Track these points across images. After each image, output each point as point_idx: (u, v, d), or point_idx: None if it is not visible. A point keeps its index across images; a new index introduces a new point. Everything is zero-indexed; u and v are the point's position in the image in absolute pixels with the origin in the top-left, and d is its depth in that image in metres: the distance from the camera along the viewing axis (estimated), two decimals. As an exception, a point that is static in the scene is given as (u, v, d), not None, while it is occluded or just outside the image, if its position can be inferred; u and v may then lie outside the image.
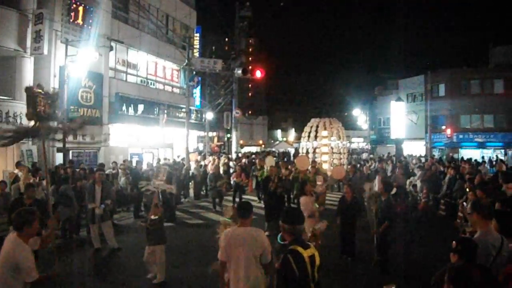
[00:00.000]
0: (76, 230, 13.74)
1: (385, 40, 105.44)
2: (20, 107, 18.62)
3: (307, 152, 26.32)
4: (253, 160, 28.17)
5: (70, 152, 21.50)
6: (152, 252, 9.14)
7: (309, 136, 26.83)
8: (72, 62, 20.35)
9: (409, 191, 16.88)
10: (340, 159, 26.64)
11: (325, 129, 26.06)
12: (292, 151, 49.33)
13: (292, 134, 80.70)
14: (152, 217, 9.21)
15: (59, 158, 20.29)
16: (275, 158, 25.00)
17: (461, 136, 44.10)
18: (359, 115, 56.91)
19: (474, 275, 3.66)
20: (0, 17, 18.39)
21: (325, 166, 24.79)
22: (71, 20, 21.63)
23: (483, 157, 36.98)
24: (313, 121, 26.63)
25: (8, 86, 19.31)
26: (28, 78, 19.76)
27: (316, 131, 26.43)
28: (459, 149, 43.95)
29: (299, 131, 64.41)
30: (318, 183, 16.26)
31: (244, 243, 5.61)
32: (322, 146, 25.99)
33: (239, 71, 29.42)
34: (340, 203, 11.59)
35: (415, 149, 44.90)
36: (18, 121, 18.16)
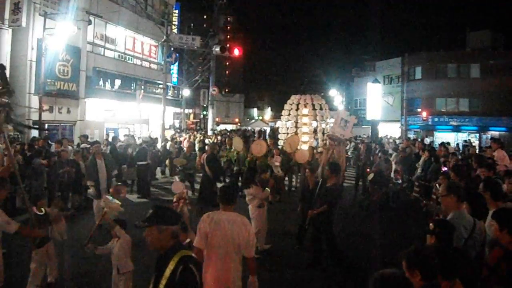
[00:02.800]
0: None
1: (363, 21, 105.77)
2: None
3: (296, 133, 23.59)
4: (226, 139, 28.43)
5: (46, 125, 21.58)
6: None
7: (289, 114, 24.56)
8: (50, 35, 20.35)
9: (390, 178, 16.47)
10: (323, 140, 23.63)
11: (305, 106, 24.07)
12: (267, 129, 49.70)
13: (268, 112, 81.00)
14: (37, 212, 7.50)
15: (34, 131, 20.36)
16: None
17: (436, 119, 44.39)
18: (336, 96, 57.34)
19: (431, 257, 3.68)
20: (-22, -12, 18.35)
21: (305, 147, 21.43)
22: (50, -7, 21.65)
23: (458, 144, 37.25)
24: (294, 98, 24.54)
25: (-16, 57, 19.32)
26: (5, 49, 19.81)
27: (297, 109, 24.34)
28: (434, 132, 44.35)
29: (275, 110, 64.80)
30: (276, 163, 15.98)
31: (228, 230, 5.06)
32: (302, 126, 23.84)
33: (217, 49, 29.45)
34: (301, 189, 11.23)
35: (390, 131, 45.27)
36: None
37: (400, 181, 16.47)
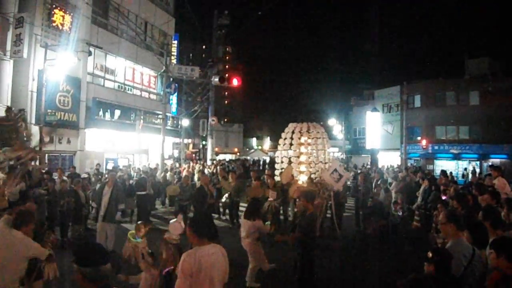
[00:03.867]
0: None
1: (361, 51, 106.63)
2: (-2, 109, 18.76)
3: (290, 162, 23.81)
4: (229, 168, 28.43)
5: (46, 155, 21.58)
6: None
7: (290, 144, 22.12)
8: (51, 66, 20.50)
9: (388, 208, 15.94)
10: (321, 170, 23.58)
11: (302, 135, 21.74)
12: (267, 159, 49.63)
13: (267, 142, 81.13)
14: None
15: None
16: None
17: (436, 147, 44.32)
18: (335, 125, 57.48)
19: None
20: (-20, 20, 18.56)
21: (303, 178, 20.46)
22: (51, 25, 21.90)
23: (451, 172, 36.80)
24: (291, 126, 22.51)
25: (-14, 89, 19.46)
26: (7, 81, 19.94)
27: (292, 138, 22.05)
28: (434, 160, 44.32)
29: (274, 139, 64.90)
30: (270, 199, 15.39)
31: (214, 266, 4.86)
32: (300, 155, 21.60)
33: (215, 79, 29.66)
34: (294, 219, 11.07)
35: (390, 159, 45.14)
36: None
37: (400, 213, 16.15)
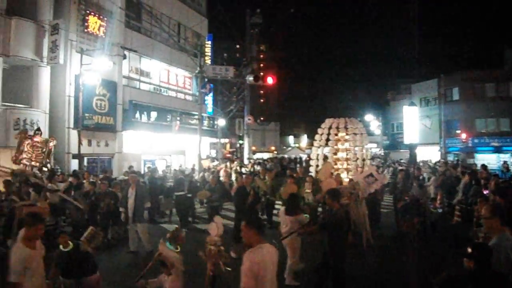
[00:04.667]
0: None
1: (397, 44, 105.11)
2: (37, 115, 19.23)
3: (325, 158, 21.81)
4: (266, 167, 28.32)
5: (85, 158, 21.99)
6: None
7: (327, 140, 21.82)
8: (87, 70, 20.85)
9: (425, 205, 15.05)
10: (361, 166, 21.43)
11: (339, 131, 21.58)
12: (304, 157, 49.35)
13: (304, 140, 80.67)
14: (61, 247, 7.29)
15: (74, 165, 20.81)
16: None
17: (476, 141, 42.88)
18: (372, 121, 56.72)
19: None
20: (19, 28, 18.91)
21: (342, 176, 19.75)
22: (85, 30, 22.29)
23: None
24: (328, 122, 22.11)
25: (26, 95, 19.89)
26: (44, 87, 20.33)
27: (329, 134, 21.79)
28: (475, 154, 42.91)
29: (312, 137, 64.53)
30: (307, 190, 15.09)
31: (271, 264, 4.95)
32: (338, 151, 21.51)
33: (250, 78, 29.59)
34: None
35: (429, 154, 44.15)
36: (35, 128, 18.63)
37: (439, 210, 15.57)
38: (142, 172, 21.51)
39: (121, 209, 12.98)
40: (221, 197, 17.37)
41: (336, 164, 20.87)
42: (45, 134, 19.36)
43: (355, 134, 21.49)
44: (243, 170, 26.70)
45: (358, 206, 9.37)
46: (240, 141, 49.67)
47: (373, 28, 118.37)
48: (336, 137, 21.21)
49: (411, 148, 43.76)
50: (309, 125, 77.84)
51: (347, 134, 21.18)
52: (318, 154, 21.77)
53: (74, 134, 21.02)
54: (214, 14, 37.77)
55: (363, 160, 21.19)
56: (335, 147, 21.33)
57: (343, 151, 21.34)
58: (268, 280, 4.86)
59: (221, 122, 37.90)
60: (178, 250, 6.47)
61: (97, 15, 23.02)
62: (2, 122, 17.81)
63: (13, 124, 18.26)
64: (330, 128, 21.53)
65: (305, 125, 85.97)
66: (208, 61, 34.76)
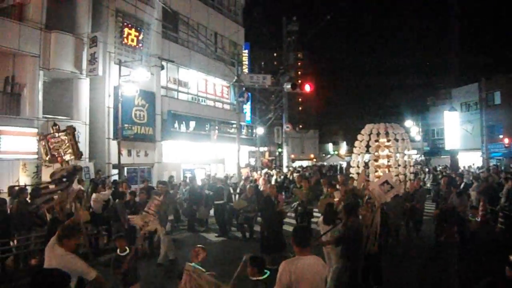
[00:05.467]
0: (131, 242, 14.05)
1: (436, 49, 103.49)
2: (77, 126, 19.27)
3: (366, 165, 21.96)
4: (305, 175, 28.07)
5: (125, 168, 22.17)
6: None
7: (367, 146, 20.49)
8: (126, 82, 21.07)
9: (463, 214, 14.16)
10: (404, 174, 20.34)
11: (378, 137, 20.13)
12: (344, 164, 48.86)
13: (343, 147, 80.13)
14: (118, 251, 7.51)
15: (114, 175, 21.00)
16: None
17: None
18: (412, 126, 55.89)
19: None
20: (58, 42, 19.25)
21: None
22: (123, 42, 22.60)
23: None
24: (368, 127, 20.90)
25: (66, 107, 20.21)
26: (84, 98, 20.62)
27: (369, 140, 20.38)
28: (518, 159, 41.51)
29: (351, 144, 63.99)
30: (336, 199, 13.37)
31: (311, 278, 4.85)
32: (380, 158, 20.19)
33: (288, 86, 29.49)
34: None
35: (471, 160, 43.00)
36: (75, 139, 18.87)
37: (478, 219, 14.71)
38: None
39: None
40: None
41: (377, 171, 20.30)
42: (85, 144, 19.74)
43: (397, 140, 21.00)
44: (272, 179, 26.55)
45: (374, 216, 9.05)
46: (279, 149, 49.67)
47: (412, 33, 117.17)
48: (376, 143, 20.70)
49: (452, 154, 42.74)
50: (348, 132, 77.38)
51: (388, 140, 20.62)
52: (358, 162, 21.23)
53: (114, 144, 21.22)
54: (251, 22, 37.95)
55: (404, 167, 20.56)
56: (376, 153, 20.65)
57: (384, 158, 20.49)
58: None
59: (260, 130, 37.84)
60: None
61: (134, 27, 23.35)
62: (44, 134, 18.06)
63: (54, 135, 18.51)
64: (370, 134, 21.04)
65: (344, 132, 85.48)
66: (246, 70, 34.92)
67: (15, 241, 11.84)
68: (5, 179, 16.36)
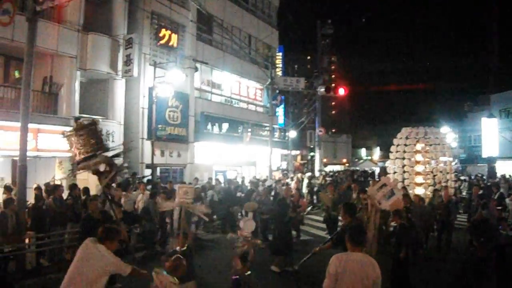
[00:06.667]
0: (162, 243, 14.18)
1: (475, 53, 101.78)
2: (112, 126, 19.76)
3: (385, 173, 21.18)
4: (336, 181, 27.93)
5: (158, 168, 22.40)
6: None
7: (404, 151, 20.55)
8: (160, 83, 21.25)
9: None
10: (446, 181, 20.05)
11: (419, 141, 20.06)
12: (377, 170, 48.36)
13: (377, 152, 79.38)
14: (177, 248, 7.65)
15: (147, 174, 21.24)
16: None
17: None
18: (448, 133, 55.09)
19: None
20: (95, 43, 19.56)
21: (419, 191, 18.55)
22: (158, 44, 22.89)
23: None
24: (405, 131, 20.91)
25: (101, 107, 20.51)
26: (119, 99, 20.90)
27: (406, 145, 20.64)
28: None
29: (384, 149, 63.34)
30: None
31: (358, 272, 5.01)
32: (415, 165, 19.97)
33: (322, 89, 29.34)
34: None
35: (510, 168, 41.93)
36: (110, 139, 19.19)
37: (507, 231, 14.12)
38: (213, 183, 21.61)
39: (167, 220, 13.10)
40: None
41: (417, 177, 19.69)
42: (120, 144, 20.00)
43: (438, 144, 20.35)
44: (304, 183, 26.44)
45: (370, 220, 8.98)
46: (311, 153, 49.46)
47: (449, 37, 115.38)
48: (414, 148, 20.06)
49: (490, 162, 41.80)
50: (382, 137, 76.51)
51: (426, 145, 19.97)
52: (394, 167, 20.59)
53: (147, 144, 21.47)
54: (285, 25, 37.95)
55: (441, 172, 19.95)
56: (412, 159, 20.08)
57: (422, 164, 19.93)
58: (349, 284, 4.98)
59: (292, 133, 37.78)
60: (177, 282, 5.95)
61: (169, 29, 23.65)
62: (80, 133, 18.39)
63: (90, 134, 18.82)
64: (407, 138, 20.48)
65: (378, 137, 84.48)
66: (279, 73, 34.89)
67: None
68: (42, 176, 16.70)
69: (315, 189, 26.12)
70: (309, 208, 23.01)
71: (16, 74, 18.47)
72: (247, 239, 7.55)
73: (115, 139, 19.76)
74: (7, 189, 13.32)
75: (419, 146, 20.12)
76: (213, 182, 21.09)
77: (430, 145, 20.03)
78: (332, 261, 5.13)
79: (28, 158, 12.39)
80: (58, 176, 17.32)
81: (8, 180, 15.86)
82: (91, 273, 5.55)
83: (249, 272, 6.21)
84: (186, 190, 8.34)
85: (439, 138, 20.75)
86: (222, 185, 21.23)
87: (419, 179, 19.72)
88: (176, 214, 12.34)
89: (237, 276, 6.56)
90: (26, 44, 12.27)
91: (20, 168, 11.97)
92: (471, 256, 9.55)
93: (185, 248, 7.58)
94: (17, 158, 12.41)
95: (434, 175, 19.79)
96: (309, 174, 32.96)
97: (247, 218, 7.79)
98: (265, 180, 24.07)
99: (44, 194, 13.53)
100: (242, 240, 7.50)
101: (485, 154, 43.71)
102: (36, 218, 12.03)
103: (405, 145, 20.25)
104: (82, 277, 5.53)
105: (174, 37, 24.06)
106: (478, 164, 48.06)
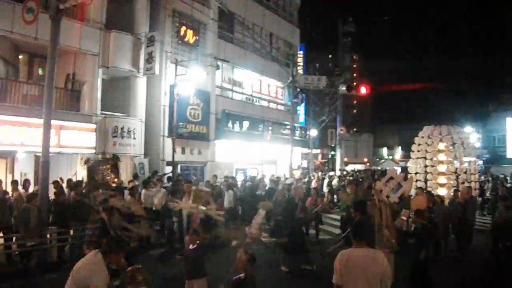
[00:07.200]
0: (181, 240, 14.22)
1: (499, 53, 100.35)
2: (133, 123, 19.92)
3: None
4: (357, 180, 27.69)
5: (179, 166, 22.51)
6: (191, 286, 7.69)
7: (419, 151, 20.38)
8: (181, 81, 21.33)
9: None
10: (469, 181, 19.50)
11: (441, 140, 19.54)
12: (398, 169, 47.90)
13: (398, 152, 78.68)
14: (190, 246, 7.74)
15: (168, 171, 21.36)
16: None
17: None
18: (471, 133, 54.38)
19: None
20: (117, 41, 19.74)
21: (442, 192, 18.29)
22: (180, 42, 22.99)
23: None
24: (427, 130, 20.46)
25: (123, 104, 20.68)
26: (141, 96, 21.05)
27: (428, 144, 20.18)
28: None
29: (406, 149, 62.76)
30: (403, 217, 11.68)
31: (360, 266, 5.19)
32: (438, 164, 19.49)
33: (343, 88, 29.30)
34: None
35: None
36: (132, 136, 19.36)
37: None
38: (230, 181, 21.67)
39: (174, 219, 13.14)
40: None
41: (439, 177, 19.32)
42: (141, 141, 20.27)
43: (461, 144, 19.85)
44: (334, 181, 26.33)
45: (382, 213, 8.95)
46: (332, 152, 49.23)
47: (473, 36, 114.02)
48: (437, 147, 19.68)
49: (514, 163, 41.30)
50: (404, 137, 75.76)
51: (449, 144, 19.41)
52: (417, 167, 20.14)
53: (168, 142, 21.59)
54: (306, 23, 37.82)
55: (465, 172, 19.47)
56: (435, 159, 19.69)
57: (445, 163, 19.48)
58: (357, 283, 5.12)
59: (313, 132, 37.65)
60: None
61: (191, 27, 23.73)
62: (101, 129, 18.57)
63: (112, 131, 19.00)
64: (429, 137, 20.09)
65: (400, 137, 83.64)
66: (300, 71, 34.86)
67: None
68: (64, 171, 16.95)
69: (335, 188, 26.00)
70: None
71: (40, 71, 18.73)
72: (253, 234, 7.56)
73: (136, 136, 19.92)
74: (15, 183, 13.43)
75: (442, 145, 19.71)
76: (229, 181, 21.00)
77: (453, 144, 19.67)
78: (337, 257, 5.34)
79: (50, 154, 12.56)
80: (80, 172, 17.53)
81: (30, 176, 16.05)
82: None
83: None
84: (199, 194, 8.37)
85: (462, 137, 20.33)
86: (239, 183, 21.29)
87: (442, 179, 19.36)
88: (185, 213, 12.31)
89: (239, 277, 6.49)
90: (50, 42, 12.46)
91: (43, 164, 12.16)
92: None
93: (196, 246, 7.58)
94: (40, 154, 12.60)
95: (457, 175, 19.48)
96: (331, 173, 32.88)
97: (258, 213, 7.75)
98: (286, 179, 24.06)
99: (66, 190, 13.75)
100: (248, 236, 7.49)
101: (509, 154, 43.25)
102: (57, 213, 12.22)
103: (427, 144, 19.92)
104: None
105: (196, 35, 24.13)
106: (503, 165, 47.56)
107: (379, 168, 51.84)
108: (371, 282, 5.12)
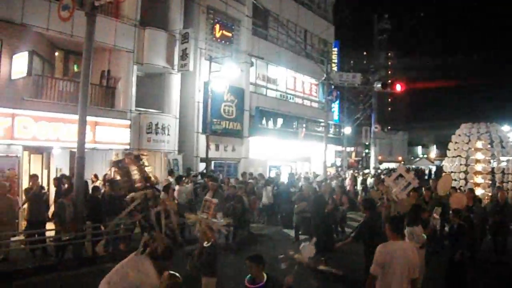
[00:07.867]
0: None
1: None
2: (168, 120, 19.92)
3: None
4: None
5: (212, 162, 22.51)
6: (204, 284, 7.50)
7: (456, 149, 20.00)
8: (216, 77, 21.32)
9: None
10: (506, 181, 19.03)
11: (479, 139, 19.10)
12: (433, 168, 47.15)
13: (433, 150, 77.55)
14: (205, 244, 7.55)
15: (201, 168, 21.38)
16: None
17: None
18: (509, 132, 53.19)
19: None
20: (152, 38, 19.74)
21: (478, 192, 17.43)
22: (214, 38, 22.97)
23: None
24: (465, 127, 20.01)
25: (157, 101, 20.69)
26: (175, 93, 21.05)
27: (466, 142, 19.70)
28: None
29: (441, 148, 61.76)
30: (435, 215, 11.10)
31: (403, 258, 5.61)
32: (475, 163, 19.04)
33: (378, 85, 28.91)
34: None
35: None
36: (166, 132, 19.39)
37: None
38: (267, 177, 21.57)
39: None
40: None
41: (476, 177, 18.92)
42: (175, 138, 20.29)
43: (501, 142, 19.24)
44: (369, 180, 26.00)
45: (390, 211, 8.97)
46: (366, 150, 48.82)
47: (508, 31, 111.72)
48: (474, 145, 19.40)
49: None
50: (439, 135, 74.59)
51: (488, 143, 19.10)
52: (454, 166, 19.64)
53: (202, 138, 21.61)
54: (341, 20, 37.45)
55: (502, 172, 18.90)
56: (472, 157, 19.30)
57: (482, 162, 19.13)
58: (396, 273, 5.52)
59: (347, 130, 37.38)
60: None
61: (225, 23, 23.70)
62: (136, 126, 18.63)
63: (146, 127, 19.04)
64: (466, 135, 19.58)
65: (435, 135, 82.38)
66: (335, 68, 34.49)
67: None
68: (99, 167, 17.06)
69: (370, 186, 25.68)
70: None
71: (75, 68, 18.87)
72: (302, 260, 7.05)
73: (171, 133, 19.93)
74: (33, 177, 13.42)
75: (479, 144, 19.28)
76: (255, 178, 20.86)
77: (492, 142, 19.18)
78: (378, 251, 5.69)
79: (85, 150, 12.63)
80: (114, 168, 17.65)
81: (65, 171, 16.22)
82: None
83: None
84: (208, 205, 8.23)
85: (501, 135, 19.82)
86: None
87: (478, 179, 18.98)
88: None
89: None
90: (85, 39, 12.51)
91: (78, 159, 12.24)
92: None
93: (209, 244, 7.41)
94: (75, 150, 12.67)
95: (494, 175, 19.03)
96: (366, 171, 32.54)
97: (309, 243, 7.21)
98: (316, 176, 23.89)
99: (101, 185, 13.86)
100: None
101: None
102: (92, 208, 12.30)
103: (464, 142, 19.47)
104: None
105: (230, 32, 24.09)
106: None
107: (413, 166, 51.16)
108: (405, 273, 5.55)
